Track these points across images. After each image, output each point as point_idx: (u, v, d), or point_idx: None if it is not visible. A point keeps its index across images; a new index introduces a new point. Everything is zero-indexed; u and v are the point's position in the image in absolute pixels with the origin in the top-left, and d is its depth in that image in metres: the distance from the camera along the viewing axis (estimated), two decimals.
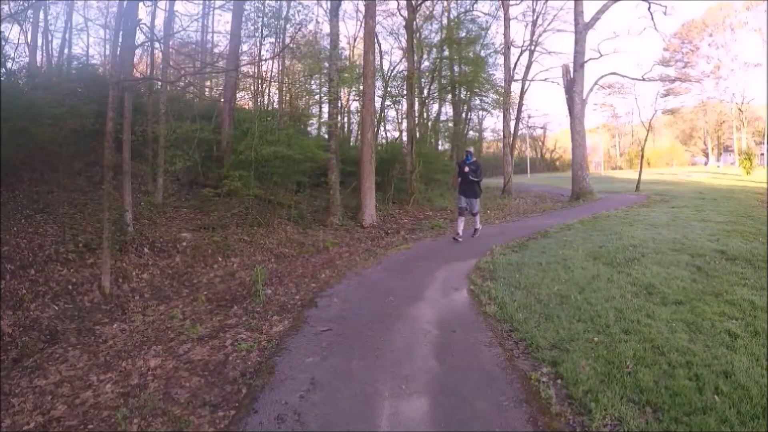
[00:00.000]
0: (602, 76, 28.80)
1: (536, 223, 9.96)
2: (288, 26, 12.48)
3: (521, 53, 25.15)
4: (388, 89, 18.25)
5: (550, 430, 2.36)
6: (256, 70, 13.45)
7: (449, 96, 20.34)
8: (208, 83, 17.10)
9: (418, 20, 17.99)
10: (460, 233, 7.90)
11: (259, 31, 12.06)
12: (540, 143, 54.19)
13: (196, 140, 10.29)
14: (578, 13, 15.30)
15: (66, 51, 13.42)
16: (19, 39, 13.15)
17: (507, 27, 19.18)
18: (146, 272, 6.72)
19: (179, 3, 29.36)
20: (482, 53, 19.06)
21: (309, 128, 17.88)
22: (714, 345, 3.17)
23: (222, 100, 13.22)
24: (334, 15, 11.89)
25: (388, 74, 18.85)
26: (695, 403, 2.48)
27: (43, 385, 3.42)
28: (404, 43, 18.94)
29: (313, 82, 16.98)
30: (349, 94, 19.69)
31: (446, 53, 18.51)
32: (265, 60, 13.34)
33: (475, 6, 20.28)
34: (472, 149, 8.34)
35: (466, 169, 7.63)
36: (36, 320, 5.12)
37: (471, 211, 7.89)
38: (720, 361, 2.92)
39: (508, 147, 20.25)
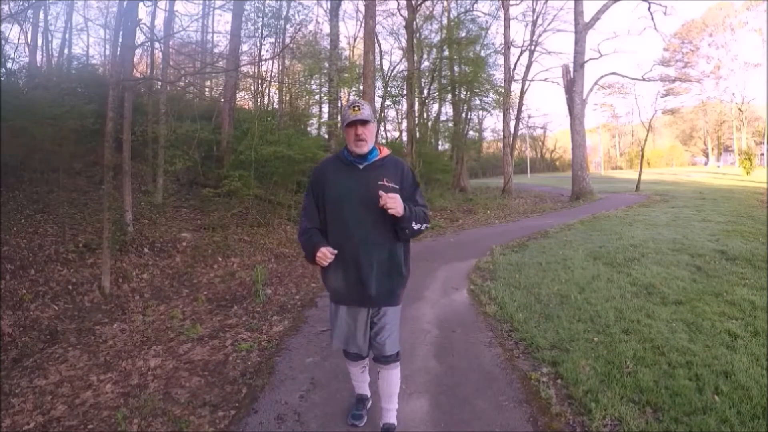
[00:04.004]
0: (602, 76, 28.88)
1: (536, 223, 9.96)
2: (288, 26, 12.51)
3: (521, 53, 25.30)
4: (388, 89, 18.29)
5: (550, 430, 2.36)
6: (256, 70, 13.43)
7: (449, 96, 20.39)
8: (208, 83, 17.09)
9: (418, 20, 18.01)
10: (367, 394, 2.60)
11: (259, 31, 12.07)
12: (540, 143, 54.27)
13: (196, 140, 10.29)
14: (578, 13, 15.32)
15: (66, 51, 13.39)
16: (19, 39, 13.16)
17: (507, 27, 19.21)
18: (146, 272, 6.72)
19: (179, 3, 29.35)
20: (482, 53, 19.12)
21: (309, 128, 17.89)
22: (714, 345, 3.17)
23: (222, 100, 13.21)
24: (334, 15, 11.93)
25: (388, 74, 18.90)
26: (695, 403, 2.48)
27: (43, 385, 3.42)
28: (404, 43, 18.97)
29: (313, 82, 17.00)
30: (349, 94, 19.69)
31: (446, 53, 18.55)
32: (265, 60, 13.33)
33: (475, 6, 20.37)
34: (364, 107, 2.01)
35: (388, 184, 2.04)
36: (36, 320, 5.11)
37: (381, 352, 2.23)
38: (720, 361, 2.92)
39: (508, 147, 20.29)
